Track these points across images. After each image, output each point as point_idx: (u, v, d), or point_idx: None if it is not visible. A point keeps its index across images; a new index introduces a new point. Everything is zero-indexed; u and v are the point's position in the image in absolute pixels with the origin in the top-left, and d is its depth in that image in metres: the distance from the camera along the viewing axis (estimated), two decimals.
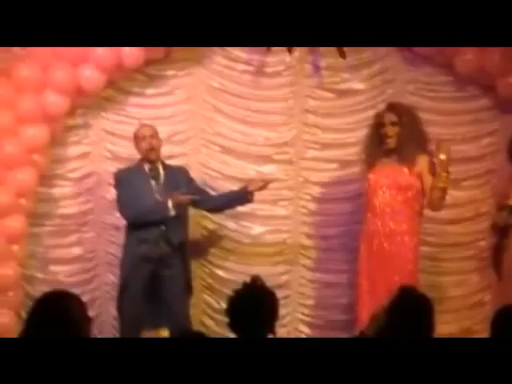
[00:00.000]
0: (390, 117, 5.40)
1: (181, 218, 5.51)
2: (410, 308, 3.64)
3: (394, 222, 5.36)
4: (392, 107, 5.48)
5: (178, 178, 5.58)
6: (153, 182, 5.53)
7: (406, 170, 5.36)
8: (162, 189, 5.51)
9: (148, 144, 5.52)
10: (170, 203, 5.37)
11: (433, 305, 3.75)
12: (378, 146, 5.47)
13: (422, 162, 5.35)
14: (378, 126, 5.47)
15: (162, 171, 5.57)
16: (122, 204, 5.53)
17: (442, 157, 5.20)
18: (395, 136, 5.38)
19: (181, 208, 5.44)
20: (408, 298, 3.75)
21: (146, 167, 5.56)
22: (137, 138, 5.58)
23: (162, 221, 5.39)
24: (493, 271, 5.94)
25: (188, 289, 5.66)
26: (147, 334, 5.49)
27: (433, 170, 5.30)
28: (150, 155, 5.54)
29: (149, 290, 5.47)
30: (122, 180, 5.56)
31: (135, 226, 5.46)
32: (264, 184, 5.61)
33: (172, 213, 5.38)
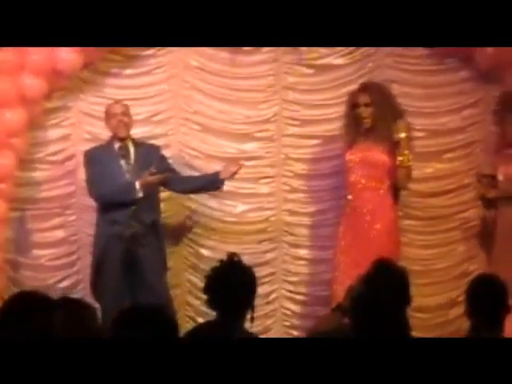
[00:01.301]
0: (364, 98, 5.45)
1: (153, 197, 5.48)
2: (386, 279, 3.65)
3: (369, 198, 5.42)
4: (364, 87, 5.52)
5: (150, 156, 5.53)
6: (122, 161, 5.48)
7: (380, 147, 5.39)
8: (133, 167, 5.46)
9: (118, 121, 5.46)
10: (137, 185, 5.33)
11: (408, 277, 3.76)
12: (354, 126, 5.52)
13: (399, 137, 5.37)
14: (352, 106, 5.50)
15: (132, 149, 5.52)
16: (90, 185, 5.50)
17: (402, 135, 5.30)
18: (370, 116, 5.43)
19: (150, 189, 5.39)
20: (384, 270, 3.76)
21: (116, 145, 5.51)
22: (107, 115, 5.53)
23: (131, 202, 5.34)
24: (479, 242, 6.00)
25: (164, 267, 5.63)
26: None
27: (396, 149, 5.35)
28: (120, 133, 5.48)
29: (125, 269, 5.43)
30: (92, 159, 5.51)
31: (105, 206, 5.43)
32: (236, 171, 5.54)
33: (140, 194, 5.34)
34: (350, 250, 5.45)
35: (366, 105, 5.43)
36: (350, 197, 5.53)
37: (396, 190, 5.53)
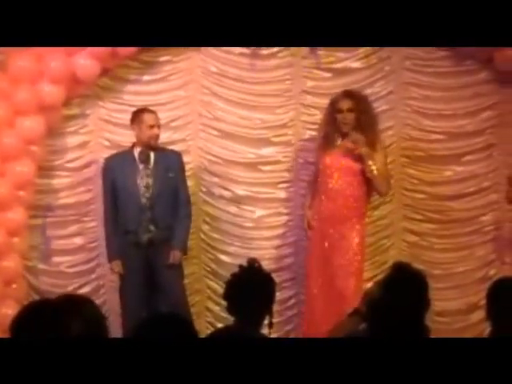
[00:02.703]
0: (348, 103, 5.52)
1: (169, 201, 5.51)
2: (405, 283, 3.62)
3: (346, 204, 5.50)
4: (348, 93, 5.59)
5: (170, 162, 5.57)
6: (141, 166, 5.51)
7: (357, 153, 5.46)
8: (151, 172, 5.49)
9: (154, 133, 5.51)
10: (114, 264, 5.56)
11: (427, 280, 3.74)
12: (333, 131, 5.57)
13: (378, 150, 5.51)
14: (334, 111, 5.56)
15: (152, 154, 5.54)
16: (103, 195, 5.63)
17: (348, 145, 5.46)
18: (351, 123, 5.50)
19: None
20: (403, 273, 3.74)
21: (136, 151, 5.55)
22: (141, 124, 5.52)
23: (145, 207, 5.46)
24: (498, 245, 5.97)
25: (181, 272, 5.66)
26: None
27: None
28: (153, 142, 5.52)
29: (145, 277, 5.49)
30: (107, 168, 5.60)
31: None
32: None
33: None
34: (321, 257, 5.56)
35: (349, 110, 5.51)
36: (325, 201, 5.57)
37: (369, 198, 5.66)
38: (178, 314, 3.04)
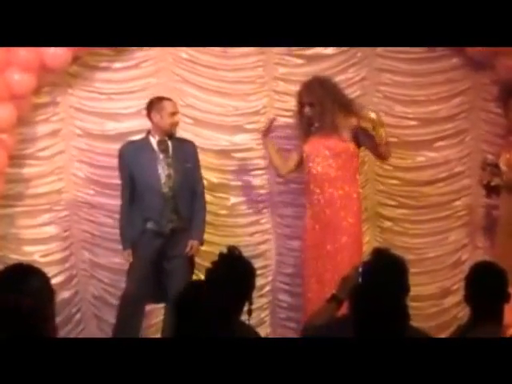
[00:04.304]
0: (306, 98, 5.54)
1: (190, 191, 5.53)
2: (384, 268, 3.64)
3: (333, 188, 5.51)
4: (305, 87, 5.59)
5: (187, 153, 5.55)
6: (161, 155, 5.46)
7: (336, 136, 5.49)
8: (171, 162, 5.46)
9: (176, 120, 5.48)
10: (126, 254, 5.48)
11: (407, 265, 3.76)
12: (306, 122, 5.60)
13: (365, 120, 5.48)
14: (299, 105, 5.60)
15: (170, 144, 5.50)
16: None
17: (373, 115, 5.43)
18: (316, 116, 5.53)
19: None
20: (383, 258, 3.76)
21: (154, 140, 5.48)
22: (162, 111, 5.45)
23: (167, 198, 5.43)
24: (471, 230, 6.02)
25: (192, 264, 5.64)
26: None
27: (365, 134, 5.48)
28: (172, 130, 5.48)
29: (154, 265, 5.50)
30: (124, 158, 5.50)
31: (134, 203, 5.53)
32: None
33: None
34: (317, 244, 5.55)
35: (311, 104, 5.53)
36: (317, 190, 5.55)
37: (356, 178, 5.64)
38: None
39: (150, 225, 5.44)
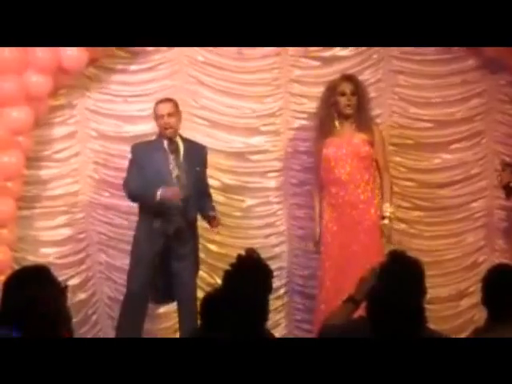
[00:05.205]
0: (350, 86, 5.55)
1: (199, 194, 5.52)
2: (402, 270, 3.63)
3: (359, 190, 5.53)
4: (349, 77, 5.64)
5: (197, 155, 5.55)
6: (171, 157, 5.45)
7: (362, 137, 5.52)
8: (181, 164, 5.45)
9: (165, 123, 5.44)
10: (158, 195, 5.32)
11: (423, 267, 3.75)
12: (332, 115, 5.58)
13: (376, 133, 5.57)
14: (335, 94, 5.56)
15: (181, 145, 5.50)
16: (124, 181, 5.52)
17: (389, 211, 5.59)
18: (354, 105, 5.53)
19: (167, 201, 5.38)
20: (400, 260, 3.74)
21: (165, 142, 5.48)
22: (154, 115, 5.50)
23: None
24: (488, 232, 5.99)
25: (197, 264, 5.67)
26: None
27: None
28: (167, 133, 5.46)
29: (160, 264, 5.49)
30: (136, 156, 5.49)
31: (143, 203, 5.50)
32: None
33: (157, 199, 5.32)
34: (339, 247, 5.55)
35: (352, 93, 5.54)
36: (334, 190, 5.56)
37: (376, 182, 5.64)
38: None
39: (156, 224, 5.43)
